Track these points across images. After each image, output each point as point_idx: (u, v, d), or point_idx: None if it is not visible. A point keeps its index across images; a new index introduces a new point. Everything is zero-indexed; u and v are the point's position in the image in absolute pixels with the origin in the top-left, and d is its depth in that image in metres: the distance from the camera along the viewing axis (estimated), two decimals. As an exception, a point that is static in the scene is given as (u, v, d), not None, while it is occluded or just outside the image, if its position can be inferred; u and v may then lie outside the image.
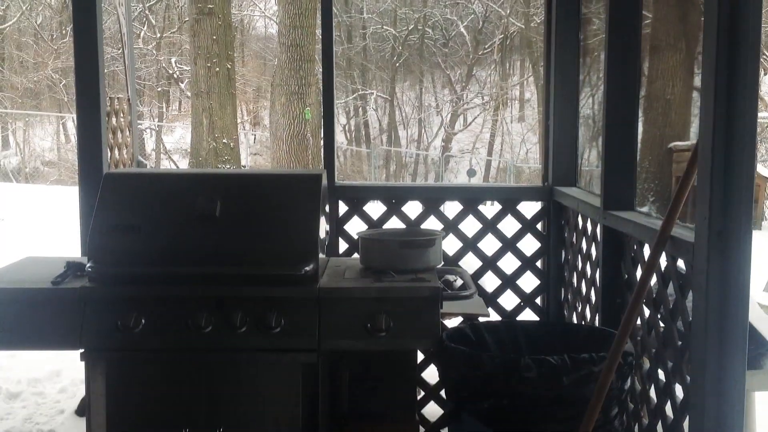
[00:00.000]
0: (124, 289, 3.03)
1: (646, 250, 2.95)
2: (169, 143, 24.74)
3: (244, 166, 19.29)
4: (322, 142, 4.36)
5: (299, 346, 3.00)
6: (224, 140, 13.63)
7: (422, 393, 4.28)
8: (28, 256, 3.64)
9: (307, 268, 3.03)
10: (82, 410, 4.76)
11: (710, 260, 2.28)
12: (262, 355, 3.01)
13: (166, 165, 22.67)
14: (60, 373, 5.54)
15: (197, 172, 3.41)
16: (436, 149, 24.80)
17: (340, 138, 24.34)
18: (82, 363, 3.09)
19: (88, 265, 3.05)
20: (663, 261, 2.74)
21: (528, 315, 4.34)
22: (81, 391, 4.87)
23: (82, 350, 3.02)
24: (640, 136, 3.46)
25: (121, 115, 4.48)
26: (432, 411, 4.34)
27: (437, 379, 3.99)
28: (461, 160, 24.52)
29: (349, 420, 3.62)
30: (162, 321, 3.00)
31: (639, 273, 3.10)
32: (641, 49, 3.40)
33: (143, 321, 2.98)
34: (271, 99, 14.47)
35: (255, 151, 24.76)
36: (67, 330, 3.00)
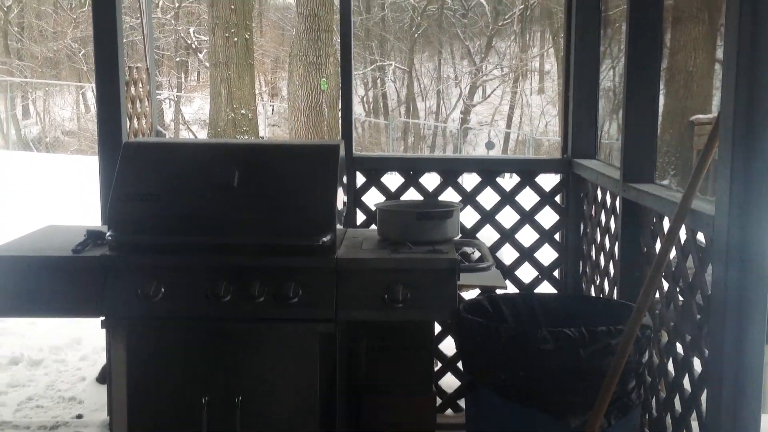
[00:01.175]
0: (144, 258, 3.05)
1: (666, 224, 2.93)
2: (187, 114, 24.76)
3: (262, 137, 19.29)
4: (339, 113, 4.34)
5: (317, 317, 3.02)
6: (242, 111, 13.63)
7: (439, 365, 4.30)
8: (49, 224, 3.68)
9: (325, 239, 3.04)
10: (103, 378, 4.81)
11: (730, 233, 2.27)
12: (280, 324, 3.03)
13: (185, 135, 22.70)
14: (81, 341, 5.61)
15: (216, 142, 3.42)
16: (454, 121, 24.67)
17: (358, 109, 24.25)
18: (103, 331, 3.13)
19: (108, 233, 3.08)
20: (683, 234, 2.73)
21: (546, 288, 4.33)
22: (102, 359, 4.92)
23: (103, 318, 3.06)
24: (660, 109, 3.43)
25: (140, 84, 4.48)
26: (449, 382, 4.35)
27: (454, 350, 3.99)
28: (480, 133, 24.39)
29: (367, 390, 3.65)
30: (181, 290, 3.02)
31: (658, 246, 3.09)
32: (663, 20, 3.36)
33: (163, 289, 3.01)
34: (289, 69, 14.43)
35: (273, 122, 24.73)
36: (88, 298, 3.03)
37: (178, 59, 26.23)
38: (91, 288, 3.02)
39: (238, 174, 3.14)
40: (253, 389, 3.08)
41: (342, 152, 3.37)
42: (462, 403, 4.23)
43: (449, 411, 4.34)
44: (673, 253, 2.76)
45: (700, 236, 2.65)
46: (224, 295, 2.99)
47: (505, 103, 25.40)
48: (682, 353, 2.78)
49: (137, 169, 3.21)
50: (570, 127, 4.20)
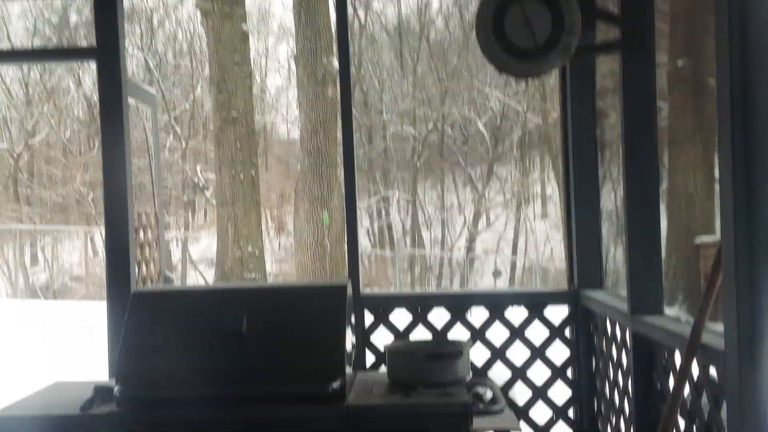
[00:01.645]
0: (153, 414, 3.03)
1: (678, 357, 2.90)
2: (195, 253, 24.92)
3: (269, 274, 19.36)
4: (345, 246, 4.34)
5: (328, 475, 2.96)
6: (249, 248, 13.70)
7: None
8: (56, 381, 3.65)
9: (335, 386, 3.01)
10: None
11: (742, 369, 2.23)
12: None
13: (192, 275, 22.78)
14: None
15: (223, 289, 3.44)
16: (460, 250, 24.74)
17: (363, 241, 24.34)
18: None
19: (116, 389, 3.06)
20: (695, 368, 2.69)
21: (562, 428, 4.23)
22: None
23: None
24: (664, 232, 3.43)
25: (149, 230, 4.54)
26: None
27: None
28: (486, 261, 24.45)
29: None
30: (190, 446, 2.97)
31: (672, 381, 3.04)
32: (659, 142, 3.41)
33: (171, 447, 2.96)
34: (295, 205, 14.62)
35: (280, 257, 24.89)
36: (96, 458, 2.98)
37: (185, 198, 26.65)
38: (100, 448, 2.98)
39: (247, 320, 3.13)
40: None
41: (349, 291, 3.38)
42: None
43: None
44: (687, 389, 2.72)
45: (713, 370, 2.62)
46: (232, 451, 2.94)
47: (509, 230, 25.57)
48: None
49: (145, 320, 3.22)
50: (575, 257, 4.20)
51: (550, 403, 4.25)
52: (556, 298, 4.31)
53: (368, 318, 4.22)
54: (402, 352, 3.37)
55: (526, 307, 4.25)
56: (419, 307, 4.22)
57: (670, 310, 3.36)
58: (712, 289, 2.53)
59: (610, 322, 3.76)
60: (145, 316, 3.23)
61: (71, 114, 26.87)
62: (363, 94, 25.25)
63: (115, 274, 4.05)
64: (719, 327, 2.56)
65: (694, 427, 2.78)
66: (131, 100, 4.32)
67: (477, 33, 3.33)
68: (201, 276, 22.82)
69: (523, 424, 4.11)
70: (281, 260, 24.54)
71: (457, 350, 3.28)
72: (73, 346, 10.88)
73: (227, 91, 14.37)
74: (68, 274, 25.24)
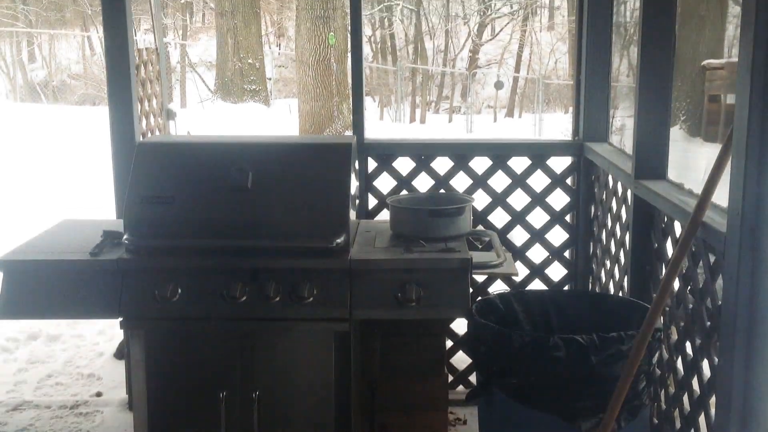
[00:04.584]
0: (161, 261, 3.10)
1: (677, 225, 2.95)
2: (194, 56, 24.49)
3: (269, 80, 19.11)
4: (349, 67, 4.28)
5: (331, 316, 3.08)
6: (249, 60, 13.50)
7: (450, 343, 4.35)
8: (64, 219, 3.72)
9: (339, 241, 3.08)
10: (120, 353, 4.89)
11: (742, 254, 2.28)
12: (296, 324, 3.10)
13: (191, 79, 22.42)
14: (97, 314, 5.66)
15: (229, 142, 3.42)
16: (463, 60, 24.30)
17: (365, 50, 23.77)
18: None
19: (125, 237, 3.12)
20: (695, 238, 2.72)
21: (556, 268, 4.35)
22: (118, 334, 4.99)
23: (121, 319, 3.12)
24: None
25: (150, 66, 4.46)
26: (461, 358, 4.40)
27: (465, 329, 4.04)
28: (489, 73, 24.09)
29: (381, 379, 3.72)
30: (198, 291, 3.08)
31: (669, 245, 3.11)
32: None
33: (180, 291, 3.06)
34: (297, 23, 14.20)
35: (280, 63, 24.47)
36: (106, 300, 3.10)
37: (183, 0, 25.86)
38: (109, 290, 3.08)
39: (252, 175, 3.16)
40: (270, 385, 3.16)
41: (354, 144, 3.38)
42: (473, 378, 4.30)
43: (460, 387, 4.42)
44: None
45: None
46: (240, 297, 3.05)
47: (514, 42, 25.03)
48: (692, 354, 2.82)
49: (152, 171, 3.23)
50: (581, 110, 4.16)
51: (547, 245, 4.34)
52: (560, 149, 4.31)
53: (372, 164, 4.22)
54: (405, 208, 3.41)
55: (530, 157, 4.25)
56: (422, 155, 4.21)
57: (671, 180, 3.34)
58: (718, 173, 2.53)
59: (613, 178, 3.78)
60: (151, 167, 3.24)
61: None
62: None
63: (118, 124, 4.01)
64: (723, 201, 2.58)
65: (688, 289, 2.86)
66: None
67: None
68: (200, 79, 22.51)
69: (519, 265, 4.21)
70: (281, 66, 24.16)
71: (460, 207, 3.32)
72: (75, 153, 10.97)
73: None
74: (67, 71, 24.97)
